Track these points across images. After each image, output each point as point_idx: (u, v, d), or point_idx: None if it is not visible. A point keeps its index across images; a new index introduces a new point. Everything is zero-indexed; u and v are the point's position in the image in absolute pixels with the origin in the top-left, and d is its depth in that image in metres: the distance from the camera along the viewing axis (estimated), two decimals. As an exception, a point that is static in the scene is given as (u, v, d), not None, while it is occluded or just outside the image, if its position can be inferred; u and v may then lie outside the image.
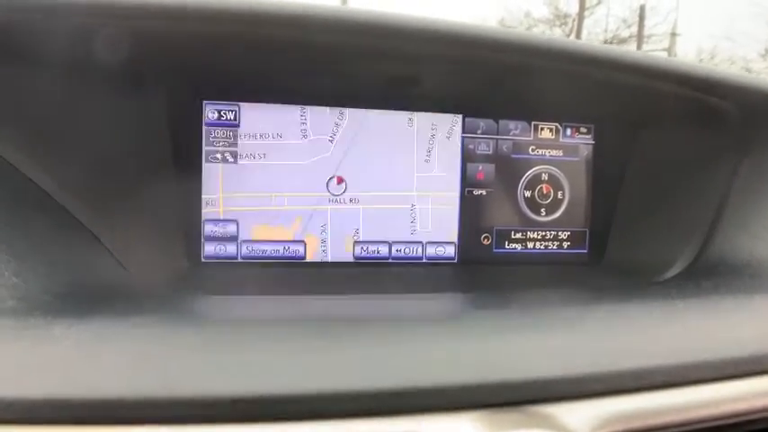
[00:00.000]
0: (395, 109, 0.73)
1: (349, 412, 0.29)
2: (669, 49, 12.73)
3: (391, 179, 0.73)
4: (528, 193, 0.78)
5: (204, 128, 0.68)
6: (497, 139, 0.76)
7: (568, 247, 0.79)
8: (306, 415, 0.29)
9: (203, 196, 0.68)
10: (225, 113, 0.68)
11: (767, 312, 0.46)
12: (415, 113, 0.73)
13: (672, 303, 0.46)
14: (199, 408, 0.28)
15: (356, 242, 0.73)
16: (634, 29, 13.50)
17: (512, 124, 0.77)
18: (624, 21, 13.84)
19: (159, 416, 0.28)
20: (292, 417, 0.28)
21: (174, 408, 0.28)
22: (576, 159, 0.79)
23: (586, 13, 13.71)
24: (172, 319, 0.37)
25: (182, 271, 0.67)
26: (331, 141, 0.71)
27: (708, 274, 0.61)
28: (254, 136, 0.69)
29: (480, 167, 0.76)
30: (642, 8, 13.03)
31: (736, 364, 0.37)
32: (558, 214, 0.79)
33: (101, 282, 0.50)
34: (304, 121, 0.70)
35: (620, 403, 0.34)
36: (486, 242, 0.77)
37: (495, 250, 0.77)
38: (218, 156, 0.68)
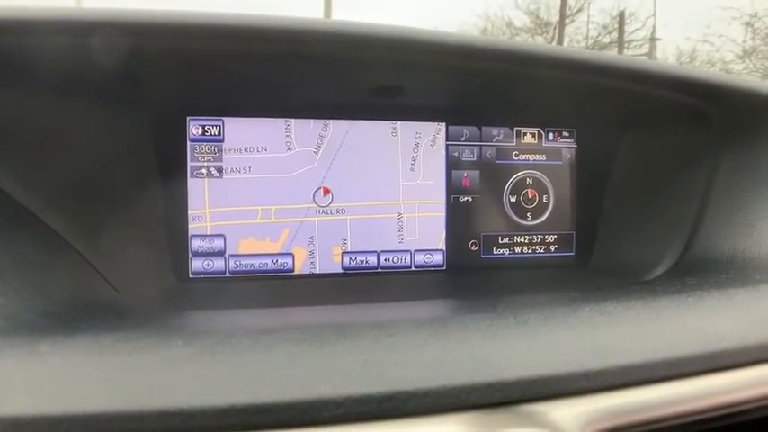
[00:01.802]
0: (379, 119, 0.73)
1: (337, 418, 0.29)
2: (649, 54, 12.91)
3: (377, 189, 0.74)
4: (513, 198, 0.78)
5: (189, 144, 0.68)
6: (481, 146, 0.77)
7: (555, 250, 0.80)
8: (294, 422, 0.29)
9: (189, 212, 0.68)
10: (209, 129, 0.69)
11: (751, 305, 0.46)
12: (399, 123, 0.74)
13: (657, 301, 0.47)
14: (188, 419, 0.28)
15: (344, 253, 0.73)
16: (614, 35, 13.70)
17: (495, 131, 0.77)
18: (604, 27, 14.05)
19: (148, 429, 0.28)
20: (280, 424, 0.28)
21: (163, 420, 0.28)
22: (559, 163, 0.80)
23: (567, 20, 13.90)
24: (159, 334, 0.37)
25: (169, 288, 0.66)
26: (316, 153, 0.71)
27: (693, 272, 0.62)
28: (239, 150, 0.69)
29: (465, 174, 0.76)
30: (621, 14, 13.23)
31: (721, 356, 0.37)
32: (543, 218, 0.80)
33: (87, 300, 0.50)
34: (288, 133, 0.71)
35: (608, 399, 0.34)
36: (473, 248, 0.77)
37: (482, 256, 0.78)
38: (204, 171, 0.69)
